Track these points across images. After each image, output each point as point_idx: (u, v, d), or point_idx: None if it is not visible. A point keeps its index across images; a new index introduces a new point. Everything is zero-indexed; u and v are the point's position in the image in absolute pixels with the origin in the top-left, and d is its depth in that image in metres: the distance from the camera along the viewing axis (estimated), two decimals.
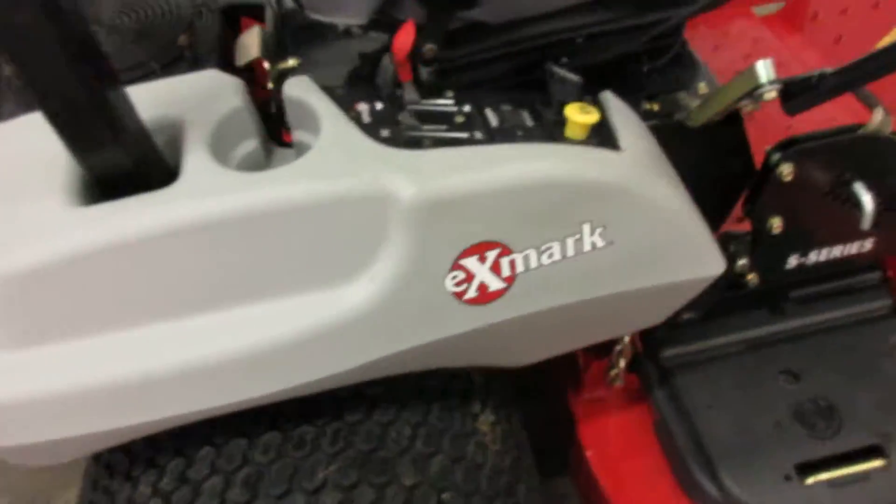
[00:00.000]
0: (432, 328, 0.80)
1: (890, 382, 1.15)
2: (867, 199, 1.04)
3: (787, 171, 1.02)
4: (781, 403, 1.15)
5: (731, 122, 1.03)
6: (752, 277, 1.14)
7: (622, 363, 1.19)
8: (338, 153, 0.74)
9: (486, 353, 0.90)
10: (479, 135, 0.80)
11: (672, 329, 1.21)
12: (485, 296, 0.80)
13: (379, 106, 0.81)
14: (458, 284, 0.78)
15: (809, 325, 1.24)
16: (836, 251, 1.16)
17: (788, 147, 1.02)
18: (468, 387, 1.00)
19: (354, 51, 0.97)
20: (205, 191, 0.70)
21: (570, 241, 0.80)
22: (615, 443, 1.21)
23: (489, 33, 0.97)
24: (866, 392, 1.15)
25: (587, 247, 0.81)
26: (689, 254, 0.87)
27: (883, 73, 0.90)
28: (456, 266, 0.76)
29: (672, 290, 0.89)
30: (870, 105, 1.02)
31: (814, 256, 1.16)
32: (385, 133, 0.77)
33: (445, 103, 0.84)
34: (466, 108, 0.84)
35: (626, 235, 0.82)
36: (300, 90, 0.81)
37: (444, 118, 0.82)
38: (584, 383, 1.25)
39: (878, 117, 1.01)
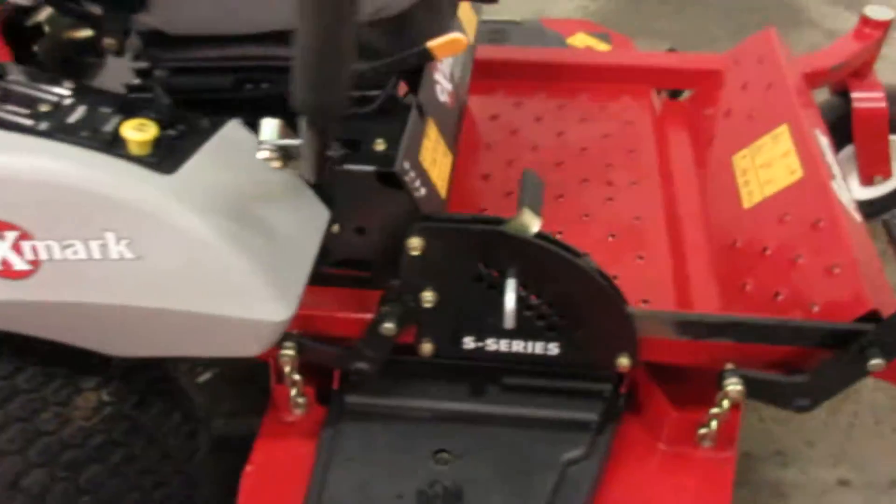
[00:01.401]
0: None
1: (531, 500, 1.09)
2: (509, 298, 0.99)
3: (414, 244, 0.99)
4: (416, 480, 1.11)
5: (390, 183, 1.01)
6: (426, 347, 1.12)
7: (294, 391, 1.19)
8: None
9: (50, 328, 0.94)
10: (43, 126, 0.85)
11: (368, 376, 1.20)
12: (10, 272, 0.85)
13: None
14: None
15: (499, 415, 1.19)
16: (518, 346, 1.11)
17: (419, 221, 1.00)
18: (93, 364, 1.05)
19: None
20: None
21: (94, 245, 0.84)
22: (276, 469, 1.22)
23: (180, 44, 1.02)
24: (503, 499, 1.09)
25: (114, 255, 0.84)
26: (231, 291, 0.87)
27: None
28: None
29: (225, 323, 0.90)
30: (519, 203, 0.97)
31: (493, 344, 1.11)
32: None
33: (52, 90, 0.90)
34: (67, 101, 0.89)
35: (156, 254, 0.84)
36: None
37: (30, 103, 0.88)
38: (276, 403, 1.26)
39: (518, 217, 0.96)
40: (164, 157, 0.86)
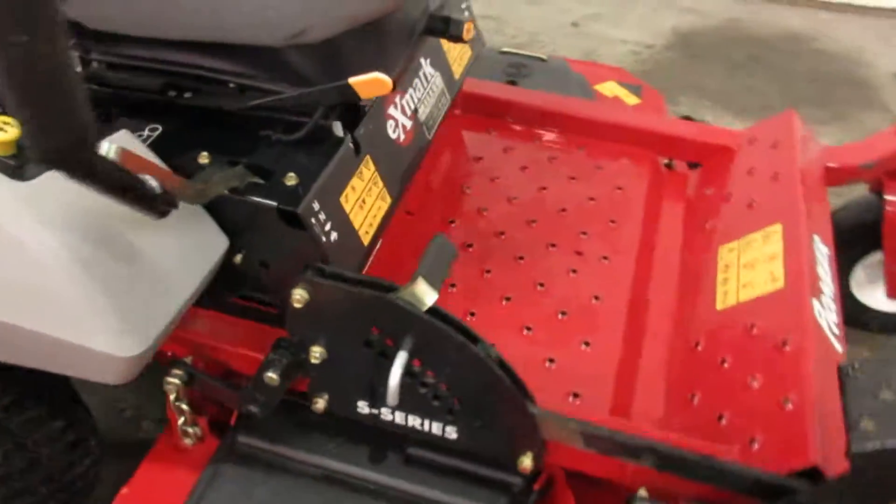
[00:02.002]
0: None
1: None
2: (394, 373, 0.88)
3: (297, 296, 0.89)
4: None
5: (293, 222, 0.92)
6: (319, 403, 1.02)
7: (182, 420, 1.11)
8: None
9: None
10: None
11: (263, 418, 1.11)
12: None
13: None
14: None
15: (393, 488, 1.07)
16: (415, 422, 1.00)
17: (306, 272, 0.90)
18: None
19: None
20: None
21: None
22: (152, 497, 1.13)
23: (109, 39, 0.96)
24: None
25: None
26: (73, 317, 0.79)
27: None
28: None
29: (70, 348, 0.82)
30: (417, 271, 0.86)
31: (388, 415, 1.01)
32: None
33: None
34: None
35: None
36: None
37: None
38: (172, 427, 1.18)
39: (411, 287, 0.85)
40: (27, 161, 0.79)
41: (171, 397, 1.07)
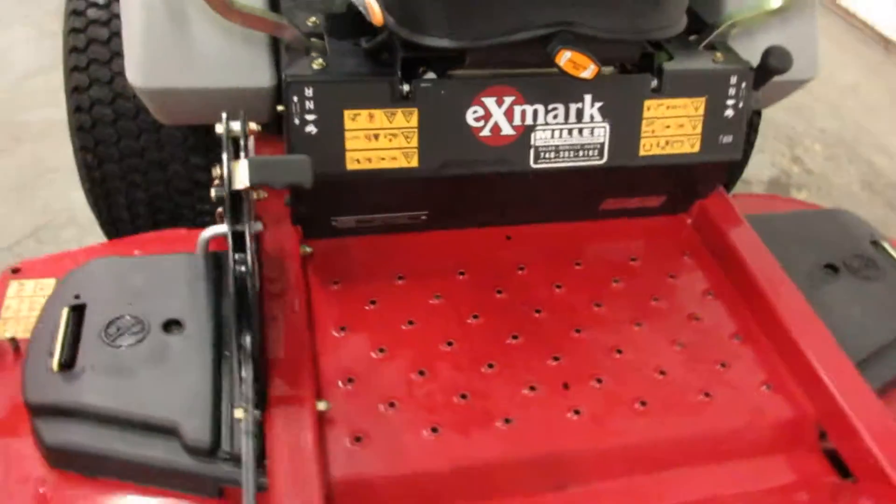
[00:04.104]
0: None
1: None
2: (207, 231, 0.91)
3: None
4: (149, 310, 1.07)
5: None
6: None
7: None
8: None
9: None
10: None
11: None
12: None
13: None
14: None
15: None
16: None
17: None
18: None
19: None
20: None
21: None
22: None
23: None
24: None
25: None
26: (130, 41, 1.08)
27: None
28: None
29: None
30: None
31: None
32: None
33: None
34: None
35: None
36: None
37: None
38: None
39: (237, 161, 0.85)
40: None
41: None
